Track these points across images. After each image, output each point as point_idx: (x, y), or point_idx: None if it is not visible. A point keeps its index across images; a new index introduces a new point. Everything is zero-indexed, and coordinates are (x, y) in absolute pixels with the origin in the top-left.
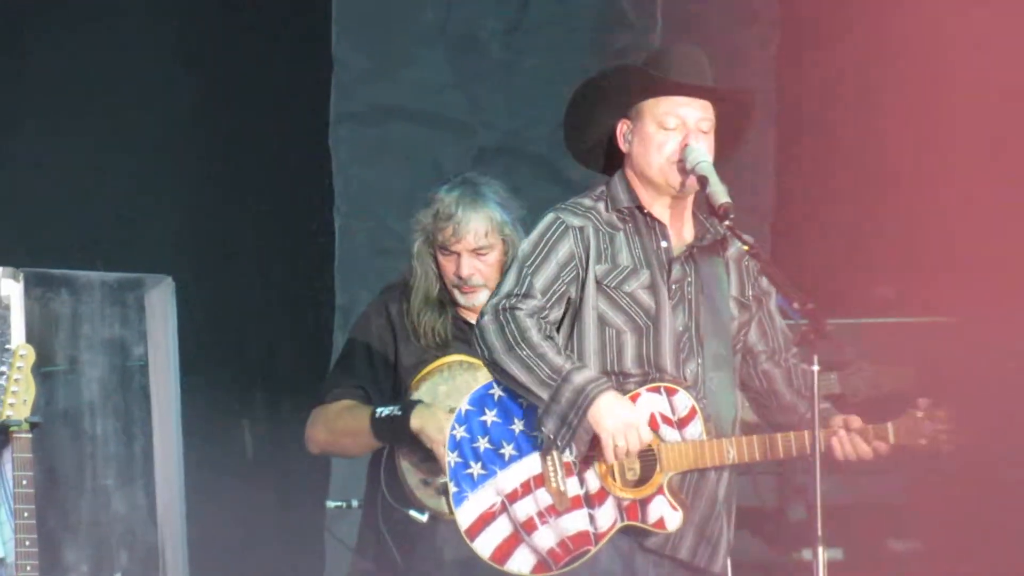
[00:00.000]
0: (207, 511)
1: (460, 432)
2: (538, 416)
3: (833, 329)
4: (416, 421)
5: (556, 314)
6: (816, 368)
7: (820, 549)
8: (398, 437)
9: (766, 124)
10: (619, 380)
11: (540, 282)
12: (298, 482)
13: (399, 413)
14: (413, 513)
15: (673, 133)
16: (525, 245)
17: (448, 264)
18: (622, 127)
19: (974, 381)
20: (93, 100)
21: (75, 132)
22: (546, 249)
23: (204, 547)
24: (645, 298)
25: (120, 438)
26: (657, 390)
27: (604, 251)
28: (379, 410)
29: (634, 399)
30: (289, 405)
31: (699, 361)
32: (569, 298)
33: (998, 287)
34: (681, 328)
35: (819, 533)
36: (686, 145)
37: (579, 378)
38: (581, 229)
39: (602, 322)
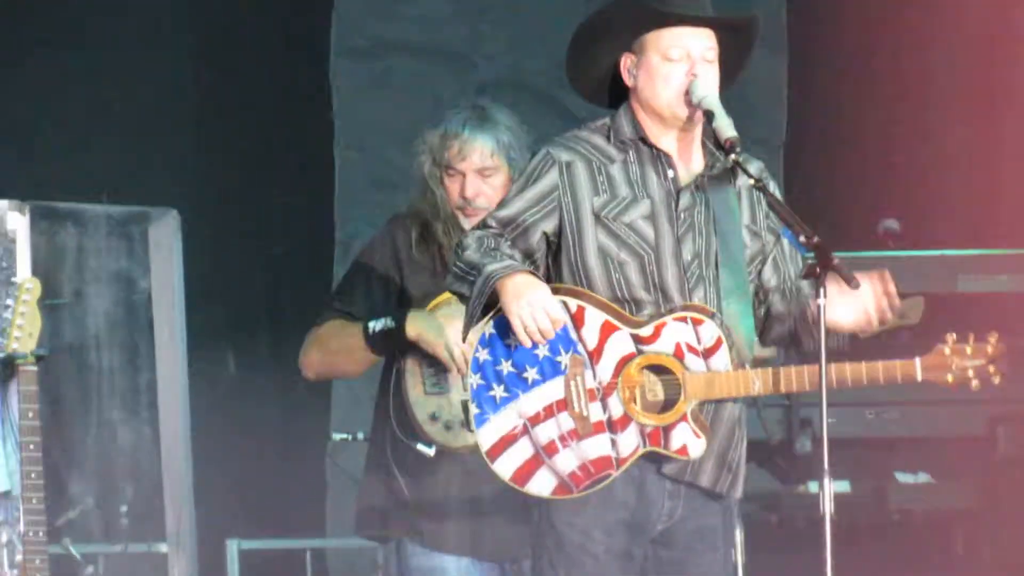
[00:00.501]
0: (211, 443)
1: (483, 355)
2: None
3: (839, 261)
4: (412, 329)
5: (525, 243)
6: (823, 301)
7: (827, 481)
8: (397, 348)
9: (778, 56)
10: (633, 307)
11: (503, 214)
12: (301, 414)
13: (392, 324)
14: (421, 447)
15: (678, 64)
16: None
17: (453, 185)
18: (626, 61)
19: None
20: (98, 34)
21: (81, 66)
22: (525, 184)
23: (208, 479)
24: (644, 227)
25: (125, 371)
26: (684, 320)
27: (601, 184)
28: (371, 324)
29: (660, 328)
30: (292, 337)
31: (709, 289)
32: (545, 231)
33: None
34: (690, 257)
35: (826, 466)
36: (692, 78)
37: (490, 267)
38: (569, 164)
39: (603, 253)
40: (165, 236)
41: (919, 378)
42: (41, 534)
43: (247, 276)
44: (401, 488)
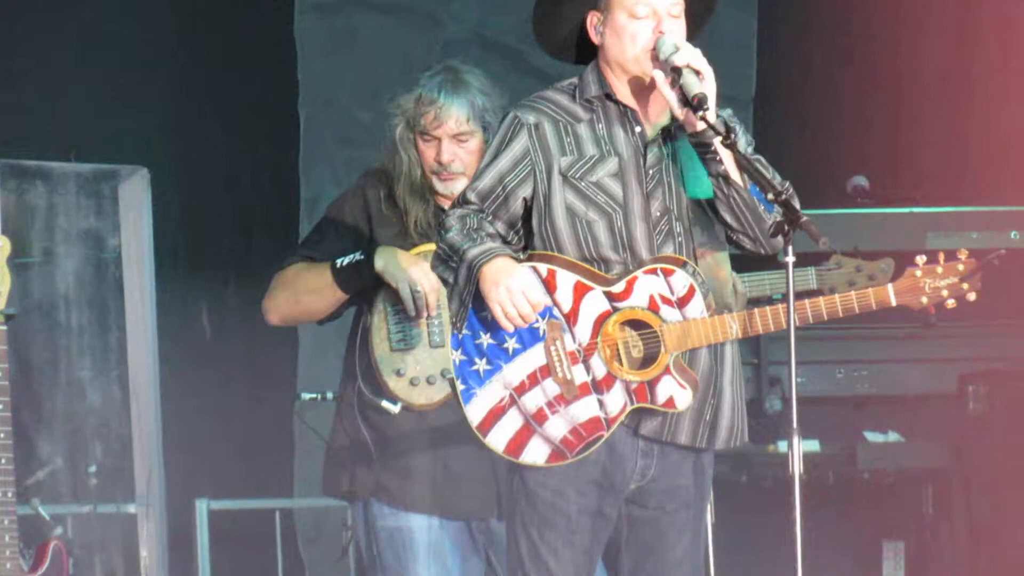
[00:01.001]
0: (181, 403)
1: (462, 330)
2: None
3: (808, 219)
4: (380, 260)
5: (507, 212)
6: (791, 259)
7: (796, 440)
8: (362, 281)
9: (747, 12)
10: (601, 266)
11: (481, 186)
12: (269, 372)
13: (361, 257)
14: (385, 404)
15: (645, 21)
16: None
17: (428, 150)
18: (592, 19)
19: None
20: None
21: (50, 25)
22: (497, 151)
23: (177, 439)
24: (612, 185)
25: (95, 330)
26: (654, 271)
27: (568, 144)
28: (339, 260)
29: (632, 283)
30: (259, 296)
31: (679, 243)
32: (525, 197)
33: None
34: (659, 212)
35: (795, 425)
36: (659, 35)
37: (471, 252)
38: (536, 125)
39: (571, 213)
40: (135, 194)
41: (893, 303)
42: (10, 495)
43: (215, 235)
44: (368, 446)
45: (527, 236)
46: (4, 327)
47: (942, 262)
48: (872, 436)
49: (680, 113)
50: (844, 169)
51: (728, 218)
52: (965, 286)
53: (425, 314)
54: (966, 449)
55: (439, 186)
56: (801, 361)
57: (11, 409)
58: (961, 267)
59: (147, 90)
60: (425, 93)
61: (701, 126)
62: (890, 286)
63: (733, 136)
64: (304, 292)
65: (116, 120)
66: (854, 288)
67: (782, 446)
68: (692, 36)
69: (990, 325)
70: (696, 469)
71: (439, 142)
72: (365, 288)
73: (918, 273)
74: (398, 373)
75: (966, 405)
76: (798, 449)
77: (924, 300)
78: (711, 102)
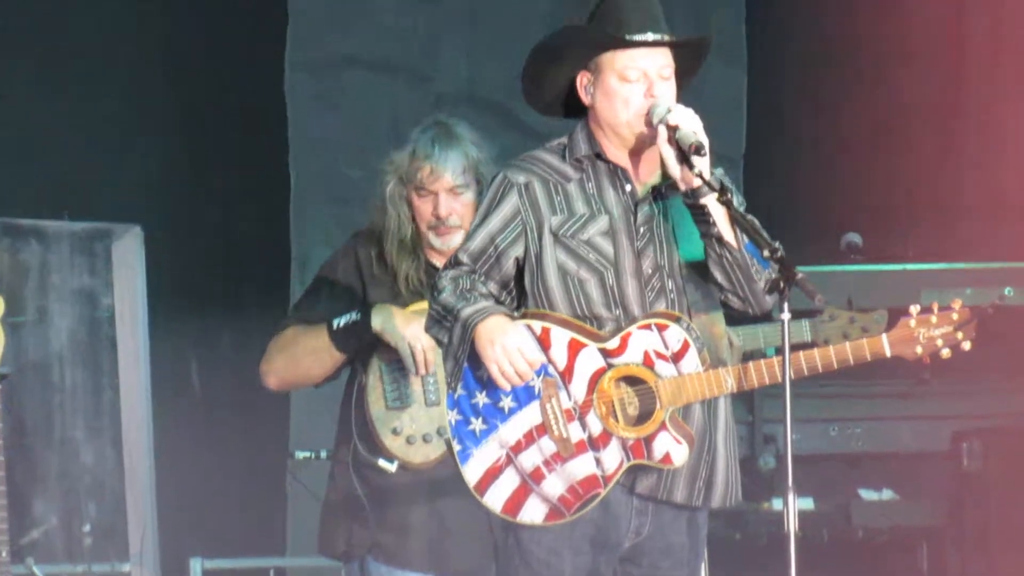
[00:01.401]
0: (175, 461)
1: (457, 390)
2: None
3: (803, 276)
4: (377, 319)
5: (500, 272)
6: (787, 316)
7: (791, 498)
8: (360, 340)
9: (737, 70)
10: (594, 324)
11: (473, 247)
12: (262, 430)
13: (358, 317)
14: (382, 462)
15: (636, 85)
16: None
17: (424, 205)
18: (582, 79)
19: None
20: (57, 52)
21: (41, 83)
22: (488, 212)
23: (171, 497)
24: (603, 243)
25: (88, 389)
26: (648, 327)
27: (558, 203)
28: (335, 321)
29: (626, 339)
30: (254, 356)
31: (672, 300)
32: (517, 257)
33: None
34: (651, 270)
35: (790, 482)
36: (652, 99)
37: (466, 311)
38: (527, 185)
39: (563, 271)
40: (128, 252)
41: (888, 353)
42: (4, 554)
43: (207, 292)
44: (363, 505)
45: (519, 296)
46: None
47: (936, 312)
48: (866, 494)
49: (676, 170)
50: (836, 226)
51: (719, 277)
52: (960, 335)
53: (423, 372)
54: (961, 506)
55: (436, 241)
56: (795, 419)
57: (5, 468)
58: (955, 316)
59: (139, 149)
60: (420, 148)
61: (697, 182)
62: (884, 336)
63: (728, 194)
64: (302, 355)
65: (109, 178)
66: (848, 340)
67: (776, 504)
68: (690, 76)
69: (984, 382)
70: (690, 527)
71: (435, 196)
72: (361, 348)
73: (912, 323)
74: (394, 432)
75: (960, 462)
76: (793, 507)
77: (919, 350)
78: (706, 149)
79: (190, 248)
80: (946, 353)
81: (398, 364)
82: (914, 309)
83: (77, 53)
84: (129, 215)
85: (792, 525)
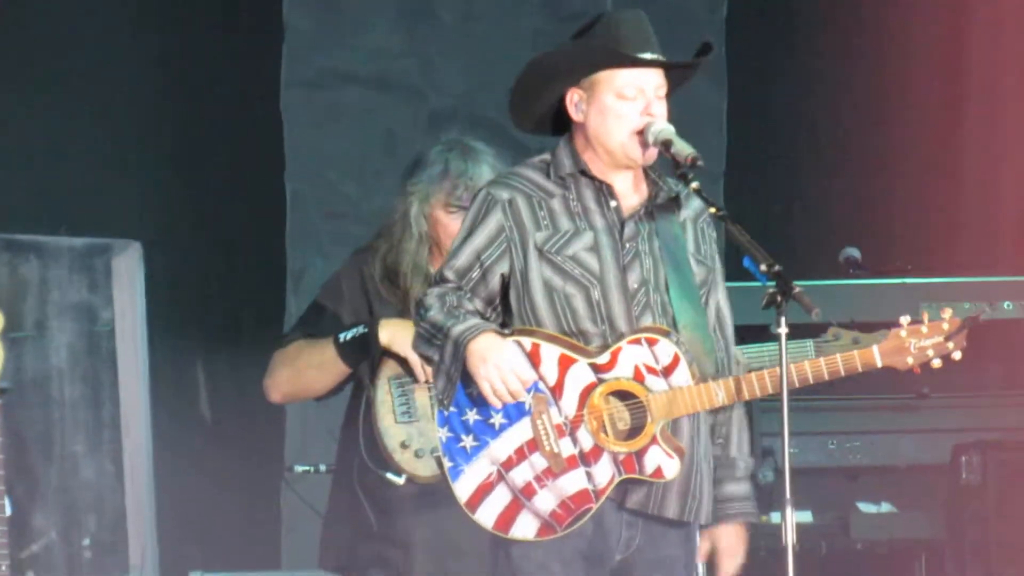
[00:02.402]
0: (174, 475)
1: (448, 407)
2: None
3: (800, 290)
4: (385, 333)
5: (486, 289)
6: (784, 331)
7: (789, 511)
8: (368, 354)
9: (717, 87)
10: (581, 339)
11: (457, 264)
12: (259, 444)
13: (365, 330)
14: (390, 476)
15: (632, 103)
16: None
17: (454, 223)
18: (572, 96)
19: None
20: (55, 68)
21: (39, 99)
22: (472, 229)
23: (171, 511)
24: (588, 258)
25: (88, 404)
26: (638, 341)
27: (542, 219)
28: (342, 335)
29: (616, 354)
30: (251, 370)
31: (658, 316)
32: (503, 274)
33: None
34: (636, 284)
35: (788, 495)
36: (649, 118)
37: (456, 329)
38: (510, 201)
39: (549, 287)
40: (127, 268)
41: (879, 364)
42: (4, 568)
43: (206, 307)
44: (368, 518)
45: (505, 312)
46: None
47: (926, 322)
48: (865, 507)
49: None
50: (831, 240)
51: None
52: (951, 345)
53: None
54: (959, 520)
55: None
56: (793, 432)
57: (5, 482)
58: (946, 326)
59: (139, 164)
60: (452, 166)
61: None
62: (876, 347)
63: (723, 211)
64: (306, 368)
65: (107, 194)
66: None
67: (775, 517)
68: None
69: (983, 395)
70: (682, 540)
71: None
72: (366, 361)
73: (903, 334)
74: (403, 446)
75: (959, 476)
76: (791, 520)
77: (910, 360)
78: (702, 162)
79: (188, 263)
80: (937, 363)
81: (407, 378)
82: (904, 320)
83: (74, 69)
84: (128, 231)
85: (790, 538)
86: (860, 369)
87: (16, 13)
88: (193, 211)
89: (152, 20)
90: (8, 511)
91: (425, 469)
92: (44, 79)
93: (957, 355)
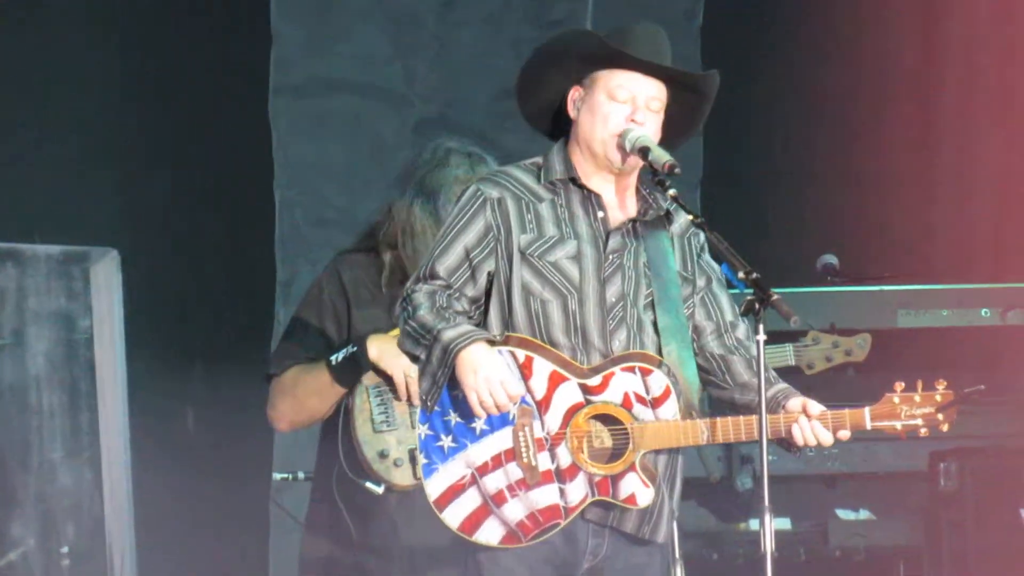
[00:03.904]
0: (153, 484)
1: (432, 407)
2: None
3: (778, 297)
4: (374, 349)
5: (474, 288)
6: (763, 338)
7: (767, 518)
8: (361, 373)
9: None
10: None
11: (447, 261)
12: (241, 454)
13: (354, 349)
14: (369, 485)
15: (621, 106)
16: (447, 219)
17: None
18: (574, 93)
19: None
20: (33, 77)
21: (18, 105)
22: (459, 225)
23: (150, 519)
24: (569, 267)
25: (66, 411)
26: (632, 369)
27: (528, 221)
28: (333, 357)
29: (608, 378)
30: (231, 377)
31: (632, 332)
32: (490, 271)
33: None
34: (615, 299)
35: (766, 503)
36: (631, 123)
37: (447, 335)
38: (499, 200)
39: (527, 291)
40: (105, 275)
41: (868, 427)
42: None
43: (187, 316)
44: (348, 528)
45: (485, 311)
46: None
47: (920, 391)
48: (843, 514)
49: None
50: (812, 248)
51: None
52: (940, 417)
53: (414, 401)
54: (937, 527)
55: None
56: (772, 439)
57: None
58: (939, 398)
59: (119, 171)
60: (461, 173)
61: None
62: (867, 410)
63: (701, 219)
64: (306, 396)
65: (85, 201)
66: (831, 363)
67: (753, 524)
68: (678, 142)
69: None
70: (650, 548)
71: None
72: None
73: (896, 400)
74: (381, 455)
75: (937, 482)
76: (770, 527)
77: (899, 427)
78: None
79: (169, 270)
80: (924, 432)
81: (385, 387)
82: (899, 386)
83: (56, 75)
84: (106, 238)
85: (769, 545)
86: (848, 431)
87: None
88: (178, 219)
89: (137, 27)
90: None
91: (404, 478)
92: (23, 85)
93: (945, 427)
